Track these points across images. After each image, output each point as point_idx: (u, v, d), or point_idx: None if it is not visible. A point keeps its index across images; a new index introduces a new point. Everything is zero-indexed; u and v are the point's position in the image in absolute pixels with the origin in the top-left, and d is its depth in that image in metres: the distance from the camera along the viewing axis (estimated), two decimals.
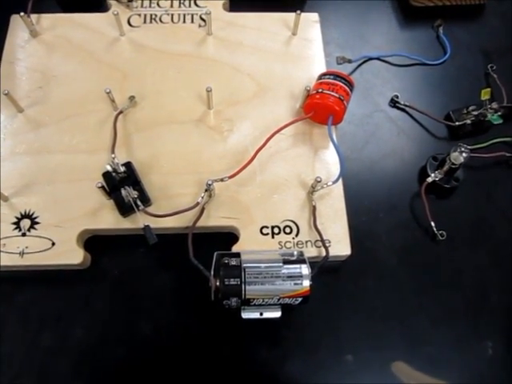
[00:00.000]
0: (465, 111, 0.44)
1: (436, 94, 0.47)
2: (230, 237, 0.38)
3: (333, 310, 0.37)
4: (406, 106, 0.45)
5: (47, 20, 0.44)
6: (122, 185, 0.36)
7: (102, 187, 0.35)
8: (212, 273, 0.32)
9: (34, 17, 0.43)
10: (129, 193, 0.35)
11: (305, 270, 0.33)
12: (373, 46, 0.49)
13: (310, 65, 0.44)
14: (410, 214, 0.41)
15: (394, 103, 0.46)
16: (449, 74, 0.48)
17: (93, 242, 0.37)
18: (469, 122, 0.43)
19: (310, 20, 0.45)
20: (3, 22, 0.44)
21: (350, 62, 0.46)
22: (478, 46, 0.50)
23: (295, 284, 0.32)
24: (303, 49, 0.44)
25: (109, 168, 0.35)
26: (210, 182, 0.35)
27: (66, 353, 0.34)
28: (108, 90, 0.38)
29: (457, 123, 0.44)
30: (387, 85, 0.47)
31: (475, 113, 0.43)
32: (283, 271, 0.32)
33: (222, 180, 0.36)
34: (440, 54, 0.49)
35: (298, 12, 0.43)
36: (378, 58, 0.48)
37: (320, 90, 0.38)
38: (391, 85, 0.47)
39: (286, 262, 0.33)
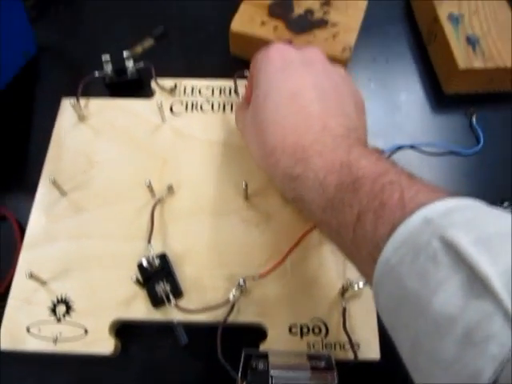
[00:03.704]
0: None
1: (469, 185, 0.47)
2: (258, 330, 0.38)
3: None
4: None
5: (95, 105, 0.46)
6: (156, 277, 0.37)
7: (137, 280, 0.36)
8: (239, 374, 0.33)
9: (82, 101, 0.46)
10: (162, 288, 0.35)
11: (333, 379, 0.32)
12: (405, 133, 0.50)
13: None
14: None
15: None
16: (482, 164, 0.48)
17: (122, 328, 0.38)
18: None
19: None
20: (54, 105, 0.47)
21: (382, 152, 0.47)
22: None
23: None
24: None
25: (144, 263, 0.36)
26: (241, 282, 0.36)
27: None
28: (148, 183, 0.39)
29: None
30: (419, 174, 0.47)
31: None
32: (310, 381, 0.32)
33: (253, 279, 0.36)
34: (474, 142, 0.50)
35: None
36: (410, 147, 0.49)
37: None
38: (423, 175, 0.46)
39: (313, 368, 0.33)
